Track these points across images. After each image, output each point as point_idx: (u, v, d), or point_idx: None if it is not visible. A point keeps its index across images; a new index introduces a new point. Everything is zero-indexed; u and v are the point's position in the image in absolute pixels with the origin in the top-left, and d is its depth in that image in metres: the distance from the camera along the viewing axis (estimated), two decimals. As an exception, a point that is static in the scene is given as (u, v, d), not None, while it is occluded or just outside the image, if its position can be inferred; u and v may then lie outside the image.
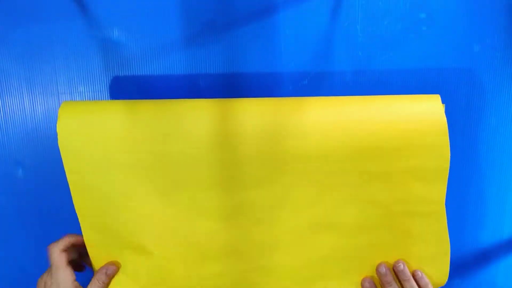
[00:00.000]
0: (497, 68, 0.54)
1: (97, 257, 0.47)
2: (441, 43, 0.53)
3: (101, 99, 0.52)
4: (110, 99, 0.52)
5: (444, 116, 0.44)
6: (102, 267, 0.46)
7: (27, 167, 0.53)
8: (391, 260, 0.48)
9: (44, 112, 0.52)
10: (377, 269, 0.48)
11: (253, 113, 0.45)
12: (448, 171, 0.45)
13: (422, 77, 0.54)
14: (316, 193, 0.46)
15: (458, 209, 0.55)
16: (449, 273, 0.48)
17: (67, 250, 0.45)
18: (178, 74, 0.52)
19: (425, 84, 0.54)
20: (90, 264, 0.48)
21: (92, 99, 0.52)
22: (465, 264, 0.58)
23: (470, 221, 0.57)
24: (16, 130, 0.52)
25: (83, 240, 0.46)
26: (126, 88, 0.52)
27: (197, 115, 0.44)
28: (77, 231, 0.47)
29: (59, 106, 0.47)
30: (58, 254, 0.44)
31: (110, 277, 0.46)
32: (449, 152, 0.44)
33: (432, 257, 0.48)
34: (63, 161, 0.44)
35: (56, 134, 0.43)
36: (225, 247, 0.47)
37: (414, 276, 0.48)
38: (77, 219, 0.47)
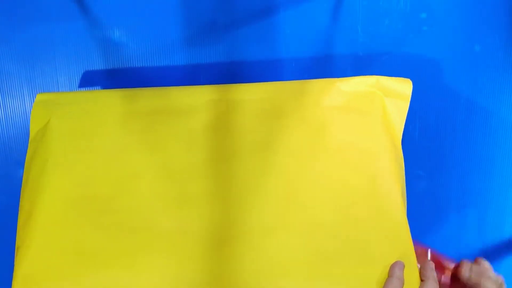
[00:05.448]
0: (498, 68, 0.54)
1: None
2: (441, 43, 0.53)
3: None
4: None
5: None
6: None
7: (28, 168, 0.53)
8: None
9: (45, 112, 0.52)
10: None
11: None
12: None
13: (422, 77, 0.54)
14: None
15: (459, 210, 0.55)
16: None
17: None
18: (179, 73, 0.52)
19: (425, 83, 0.54)
20: None
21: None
22: (466, 264, 0.58)
23: (471, 221, 0.57)
24: (17, 131, 0.52)
25: None
26: (127, 87, 0.52)
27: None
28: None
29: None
30: None
31: None
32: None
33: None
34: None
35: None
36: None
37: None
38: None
